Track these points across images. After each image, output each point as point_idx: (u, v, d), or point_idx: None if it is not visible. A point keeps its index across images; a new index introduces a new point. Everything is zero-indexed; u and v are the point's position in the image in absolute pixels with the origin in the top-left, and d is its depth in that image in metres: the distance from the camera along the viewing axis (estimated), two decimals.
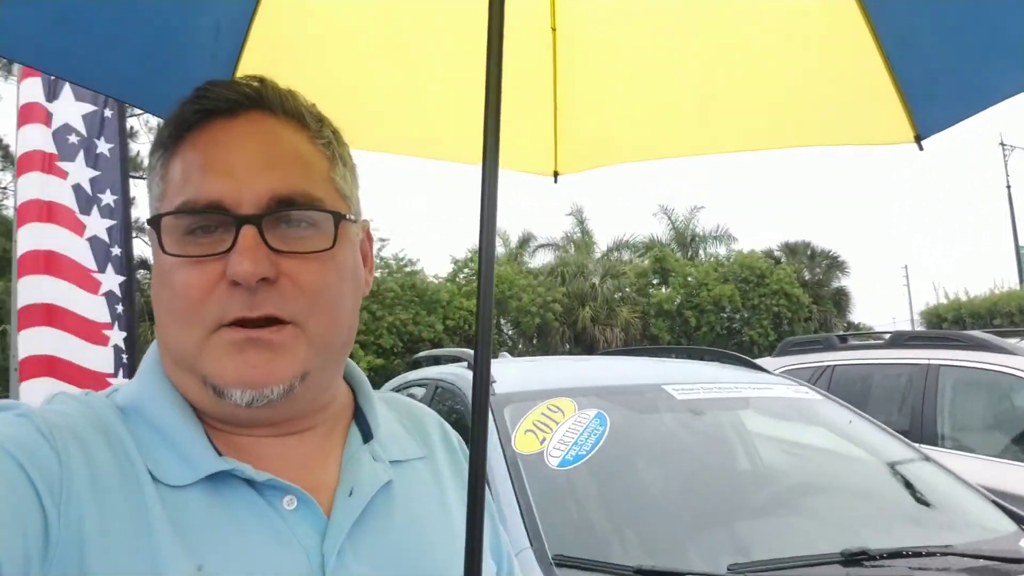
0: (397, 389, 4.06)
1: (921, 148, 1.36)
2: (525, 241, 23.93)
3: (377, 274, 15.38)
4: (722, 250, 24.39)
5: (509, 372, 2.98)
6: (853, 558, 1.84)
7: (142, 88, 1.26)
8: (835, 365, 4.78)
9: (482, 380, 0.85)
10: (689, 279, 20.77)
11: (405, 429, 0.89)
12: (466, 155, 1.58)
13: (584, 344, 19.83)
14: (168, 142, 0.73)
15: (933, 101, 1.33)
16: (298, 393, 0.70)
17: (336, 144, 0.78)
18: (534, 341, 19.88)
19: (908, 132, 1.36)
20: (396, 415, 0.91)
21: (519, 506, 2.00)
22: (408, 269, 17.60)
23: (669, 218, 24.89)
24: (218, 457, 0.69)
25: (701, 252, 25.32)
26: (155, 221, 0.70)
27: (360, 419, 0.83)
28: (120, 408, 0.71)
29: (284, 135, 0.73)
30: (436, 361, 3.52)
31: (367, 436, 0.82)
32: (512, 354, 18.39)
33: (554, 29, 1.46)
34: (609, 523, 2.06)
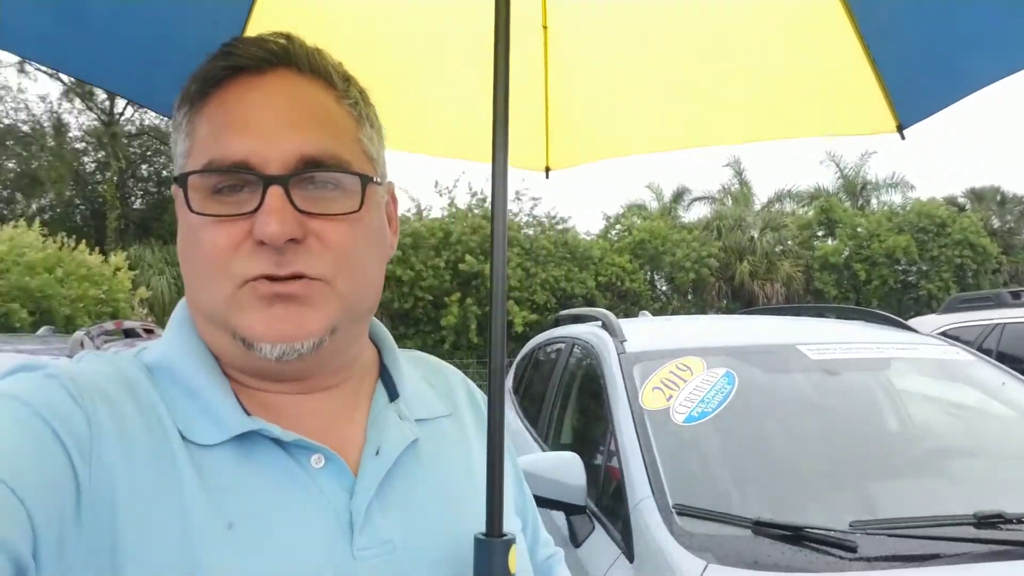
0: (540, 345, 4.25)
1: (903, 137, 1.38)
2: (679, 195, 23.34)
3: (530, 231, 15.47)
4: (897, 198, 22.62)
5: (642, 331, 3.06)
6: (986, 520, 1.80)
7: (140, 83, 1.28)
8: (1006, 323, 4.41)
9: (497, 370, 0.86)
10: (859, 230, 19.40)
11: (431, 387, 0.90)
12: (471, 152, 1.65)
13: (742, 300, 19.18)
14: (195, 98, 0.71)
15: (914, 91, 1.33)
16: (326, 348, 0.70)
17: (363, 104, 0.77)
18: (689, 297, 19.49)
19: (890, 122, 1.38)
20: (422, 373, 0.91)
21: (643, 459, 2.11)
22: (560, 227, 17.75)
23: (837, 165, 23.36)
24: (246, 416, 0.69)
25: (873, 201, 23.60)
26: (181, 179, 0.69)
27: (386, 378, 0.84)
28: (148, 367, 0.72)
29: (312, 94, 0.72)
30: (575, 320, 3.65)
31: (393, 395, 0.82)
32: (667, 311, 18.23)
33: (545, 27, 1.49)
34: (731, 477, 2.13)
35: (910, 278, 19.01)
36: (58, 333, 3.33)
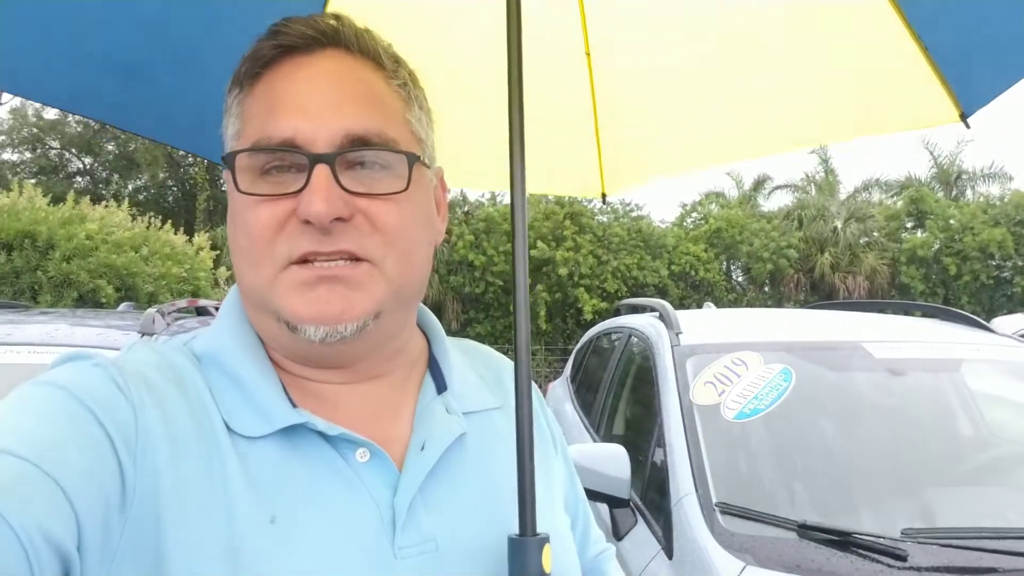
0: (598, 334, 4.22)
1: (968, 126, 1.32)
2: (760, 183, 22.67)
3: (604, 219, 15.34)
4: (995, 189, 21.34)
5: (700, 324, 3.01)
6: None
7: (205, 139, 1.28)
8: None
9: (524, 376, 0.83)
10: (951, 222, 18.39)
11: (481, 378, 0.88)
12: (495, 183, 1.65)
13: (822, 293, 18.52)
14: (244, 80, 0.71)
15: (972, 76, 1.27)
16: (371, 332, 0.69)
17: (412, 86, 0.76)
18: (766, 289, 18.95)
19: (953, 111, 1.33)
20: (472, 363, 0.89)
21: (689, 454, 2.08)
22: (634, 214, 17.54)
23: (931, 153, 22.21)
24: (292, 409, 0.68)
25: (968, 192, 22.35)
26: (230, 159, 0.69)
27: (435, 369, 0.83)
28: (197, 356, 0.72)
29: (360, 74, 0.71)
30: (634, 310, 3.61)
31: (441, 387, 0.81)
32: (741, 303, 17.79)
33: (588, 54, 1.48)
34: (779, 477, 2.07)
35: (1004, 274, 17.95)
36: (138, 309, 3.50)
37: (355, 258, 0.67)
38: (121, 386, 0.62)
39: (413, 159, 0.71)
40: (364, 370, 0.75)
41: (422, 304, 0.84)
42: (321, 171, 0.65)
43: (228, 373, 0.70)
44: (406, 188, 0.70)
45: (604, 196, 1.78)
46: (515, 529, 0.73)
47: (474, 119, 1.48)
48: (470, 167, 1.65)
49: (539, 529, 0.73)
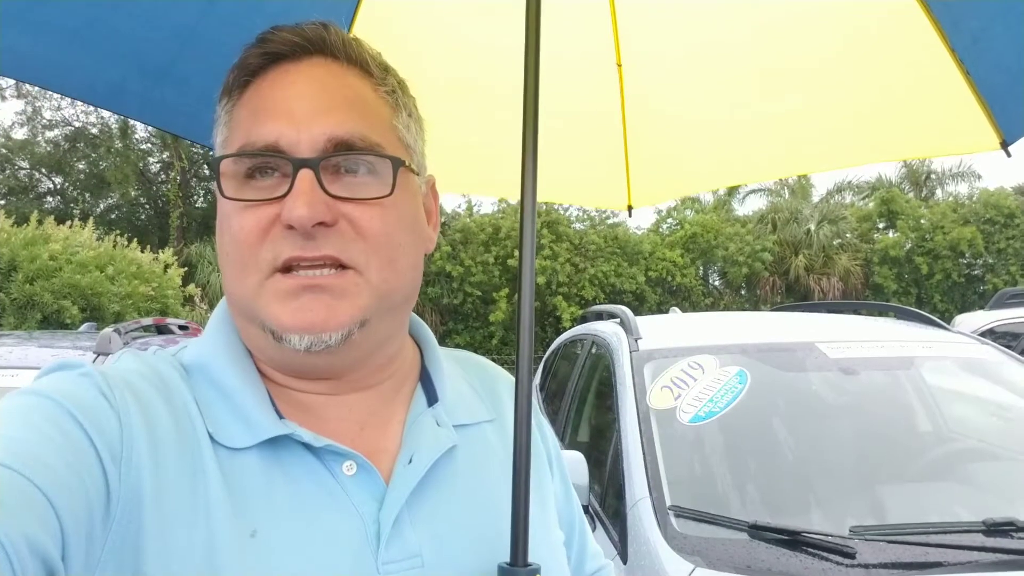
0: (564, 342, 4.24)
1: (1009, 155, 1.30)
2: (734, 187, 22.95)
3: (580, 226, 15.40)
4: (964, 188, 21.72)
5: (660, 329, 3.02)
6: (997, 528, 1.73)
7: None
8: None
9: (524, 382, 0.82)
10: (922, 222, 18.67)
11: (474, 390, 0.86)
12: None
13: (797, 295, 18.69)
14: (233, 89, 0.72)
15: (1015, 103, 1.24)
16: (356, 341, 0.68)
17: (400, 94, 0.76)
18: (742, 292, 19.12)
19: (993, 138, 1.30)
20: (465, 374, 0.88)
21: (644, 459, 2.09)
22: (611, 221, 17.63)
23: None
24: (278, 420, 0.67)
25: (938, 192, 22.72)
26: (215, 164, 0.69)
27: (426, 381, 0.81)
28: (185, 366, 0.71)
29: (345, 80, 0.71)
30: (599, 317, 3.62)
31: (432, 398, 0.79)
32: (718, 306, 17.88)
33: (619, 65, 1.46)
34: (732, 479, 2.08)
35: (975, 272, 18.24)
36: (98, 330, 3.46)
37: (339, 265, 0.67)
38: (107, 395, 0.62)
39: (398, 163, 0.70)
40: (353, 380, 0.74)
41: (415, 314, 0.83)
42: (305, 175, 0.65)
43: (215, 383, 0.69)
44: (390, 193, 0.69)
45: (630, 209, 1.76)
46: (504, 548, 0.72)
47: (509, 125, 1.52)
48: (503, 176, 1.62)
49: (532, 549, 0.72)
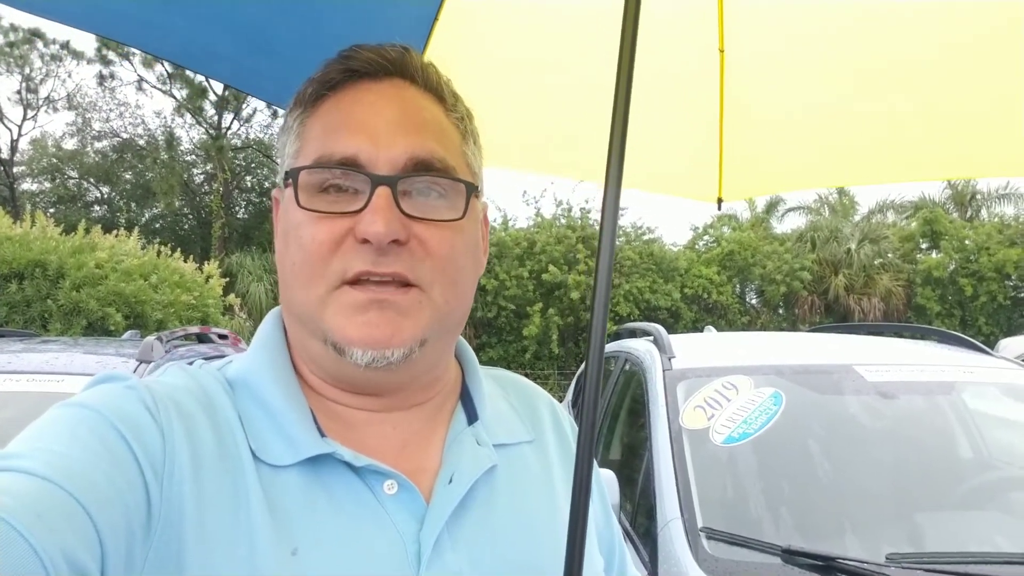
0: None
1: None
2: (773, 205, 22.65)
3: (616, 242, 15.54)
4: (1010, 209, 21.18)
5: (695, 348, 3.00)
6: None
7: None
8: None
9: (592, 394, 0.80)
10: (967, 243, 18.25)
11: (514, 410, 0.86)
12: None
13: (837, 315, 18.38)
14: (309, 100, 0.73)
15: None
16: (415, 359, 0.69)
17: (468, 121, 0.78)
18: (780, 311, 18.83)
19: None
20: (505, 394, 0.88)
21: (676, 479, 2.07)
22: (646, 237, 17.51)
23: None
24: (320, 439, 0.67)
25: (984, 212, 22.19)
26: (293, 174, 0.69)
27: (467, 400, 0.82)
28: (230, 382, 0.72)
29: (423, 103, 0.73)
30: (633, 334, 3.61)
31: (472, 417, 0.80)
32: (755, 326, 17.62)
33: (722, 51, 1.41)
34: (766, 502, 2.06)
35: (1022, 294, 17.74)
36: (142, 337, 3.55)
37: (405, 283, 0.67)
38: (151, 409, 0.62)
39: (472, 189, 0.72)
40: (403, 398, 0.75)
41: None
42: (382, 192, 0.66)
43: (258, 400, 0.70)
44: (462, 217, 0.71)
45: (720, 201, 1.72)
46: (546, 566, 0.72)
47: (599, 106, 1.51)
48: (588, 159, 1.59)
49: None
